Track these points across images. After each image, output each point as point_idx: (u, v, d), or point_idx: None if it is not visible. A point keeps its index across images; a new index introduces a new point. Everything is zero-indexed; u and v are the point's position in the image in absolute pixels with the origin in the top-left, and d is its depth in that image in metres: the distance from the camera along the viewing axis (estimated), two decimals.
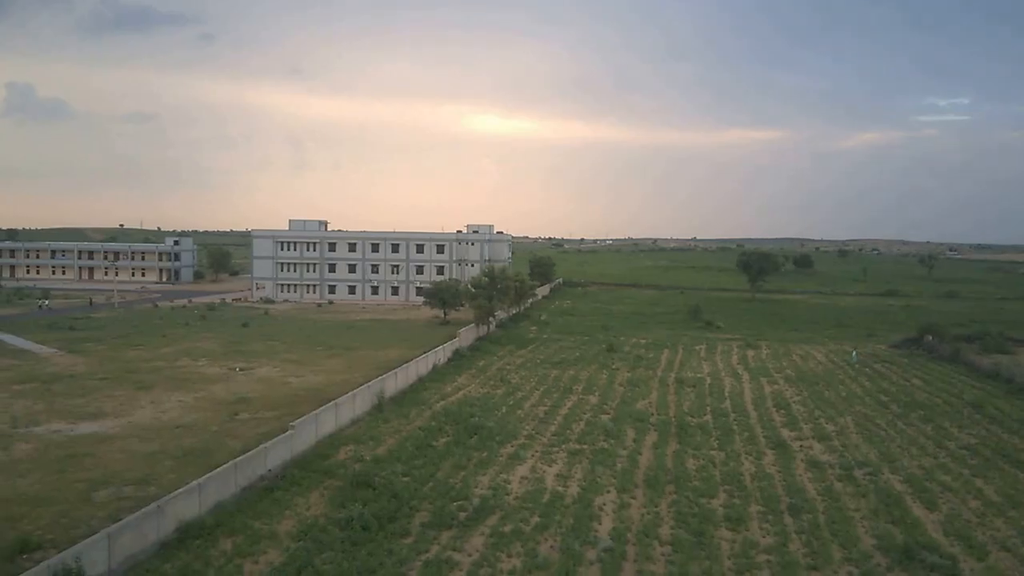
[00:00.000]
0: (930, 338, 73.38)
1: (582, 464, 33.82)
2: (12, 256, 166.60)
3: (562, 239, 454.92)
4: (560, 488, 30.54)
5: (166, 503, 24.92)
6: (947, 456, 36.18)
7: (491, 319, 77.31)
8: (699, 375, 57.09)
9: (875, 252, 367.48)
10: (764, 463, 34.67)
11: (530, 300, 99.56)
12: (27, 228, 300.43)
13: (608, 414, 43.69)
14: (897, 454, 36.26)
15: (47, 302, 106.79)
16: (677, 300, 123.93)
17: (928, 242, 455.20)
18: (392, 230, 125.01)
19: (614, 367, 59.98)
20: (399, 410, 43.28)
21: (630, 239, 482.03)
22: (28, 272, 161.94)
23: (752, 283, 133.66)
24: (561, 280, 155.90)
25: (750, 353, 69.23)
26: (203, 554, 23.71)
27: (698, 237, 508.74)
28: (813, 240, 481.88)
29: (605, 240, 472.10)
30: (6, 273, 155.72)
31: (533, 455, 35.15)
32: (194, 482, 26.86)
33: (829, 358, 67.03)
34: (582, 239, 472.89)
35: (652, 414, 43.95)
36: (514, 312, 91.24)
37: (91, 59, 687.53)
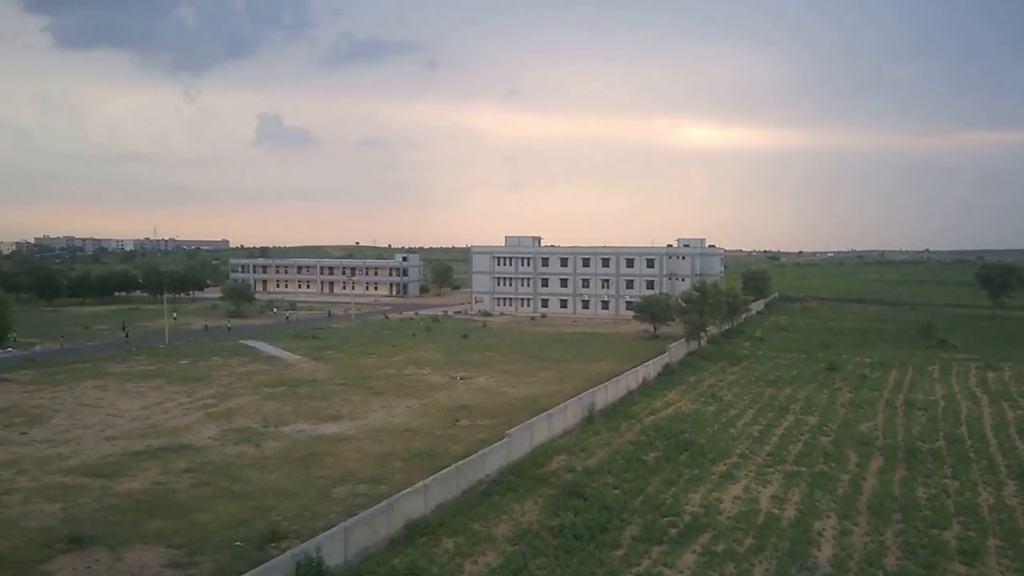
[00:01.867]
0: None
1: (799, 487, 32.48)
2: (265, 271, 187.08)
3: (778, 252, 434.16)
4: (776, 510, 29.56)
5: (395, 501, 26.81)
6: None
7: (702, 334, 75.91)
8: (931, 397, 52.60)
9: None
10: (1005, 494, 31.48)
11: (743, 315, 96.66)
12: (277, 246, 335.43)
13: (828, 436, 41.55)
14: None
15: (292, 313, 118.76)
16: (907, 317, 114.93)
17: None
18: (603, 244, 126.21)
19: (835, 387, 56.75)
20: (609, 423, 43.76)
21: (854, 251, 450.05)
22: (278, 286, 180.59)
23: (994, 299, 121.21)
24: (777, 295, 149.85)
25: (990, 375, 62.64)
26: (428, 551, 25.22)
27: (931, 248, 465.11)
28: None
29: (826, 253, 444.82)
30: (259, 287, 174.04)
31: (747, 475, 34.25)
32: (420, 483, 28.77)
33: None
34: (800, 252, 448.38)
35: (877, 437, 41.19)
36: (726, 328, 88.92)
37: (330, 90, 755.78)
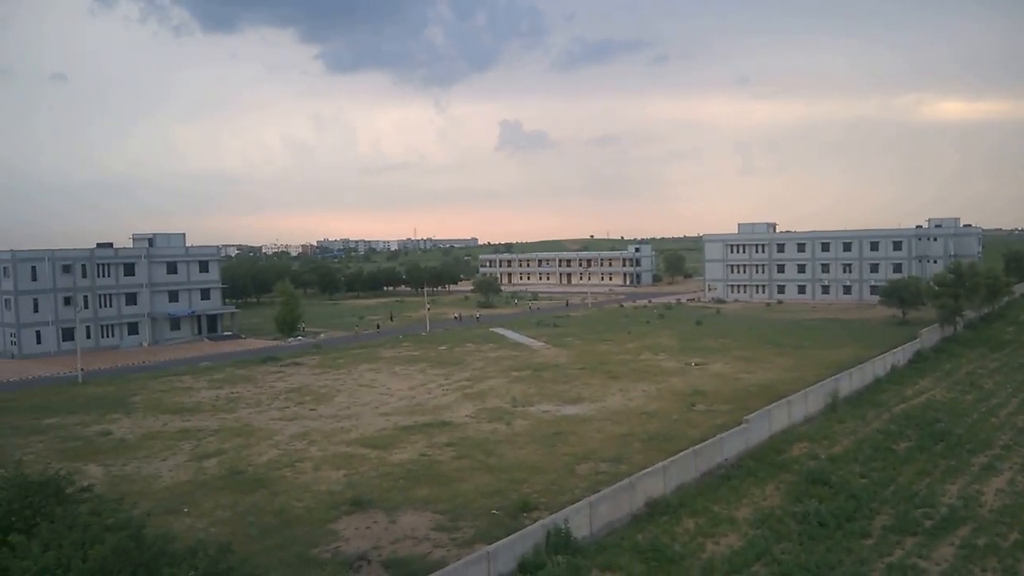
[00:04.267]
0: None
1: None
2: (509, 265, 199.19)
3: None
4: None
5: (637, 480, 28.09)
6: None
7: (958, 319, 70.21)
8: None
9: None
10: None
11: (1005, 299, 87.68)
12: (518, 241, 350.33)
13: None
14: None
15: (534, 303, 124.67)
16: None
17: None
18: (843, 228, 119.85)
19: None
20: (854, 411, 42.30)
21: None
22: (521, 278, 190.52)
23: None
24: None
25: None
26: (669, 530, 26.17)
27: None
28: None
29: None
30: (505, 279, 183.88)
31: (1011, 467, 32.05)
32: (659, 464, 29.90)
33: None
34: None
35: None
36: (985, 312, 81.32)
37: (565, 92, 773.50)
